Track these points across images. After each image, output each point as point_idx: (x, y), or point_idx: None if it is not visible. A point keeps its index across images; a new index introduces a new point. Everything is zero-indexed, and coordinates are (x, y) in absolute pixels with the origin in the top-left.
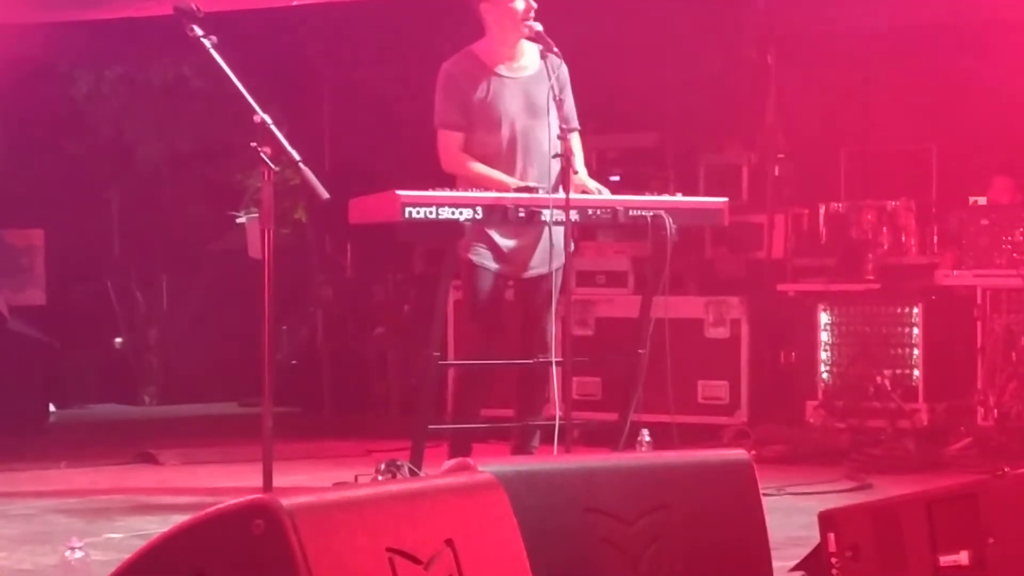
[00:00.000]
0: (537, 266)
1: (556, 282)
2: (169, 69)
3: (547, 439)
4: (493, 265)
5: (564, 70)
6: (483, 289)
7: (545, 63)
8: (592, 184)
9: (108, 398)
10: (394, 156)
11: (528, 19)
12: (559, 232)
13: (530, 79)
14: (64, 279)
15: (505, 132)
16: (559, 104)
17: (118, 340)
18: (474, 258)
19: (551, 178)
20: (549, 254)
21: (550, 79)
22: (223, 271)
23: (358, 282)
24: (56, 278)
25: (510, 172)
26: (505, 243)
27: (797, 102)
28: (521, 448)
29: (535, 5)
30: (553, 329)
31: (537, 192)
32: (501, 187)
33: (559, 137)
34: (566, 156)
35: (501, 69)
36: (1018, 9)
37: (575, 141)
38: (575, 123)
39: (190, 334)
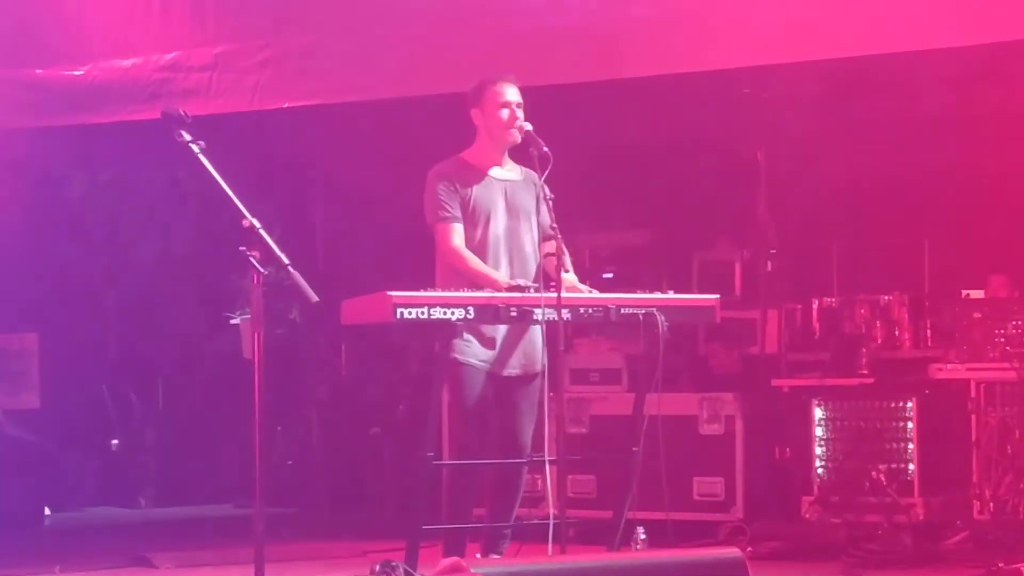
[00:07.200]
0: (525, 365)
1: (544, 381)
2: (162, 171)
3: (542, 538)
4: (481, 364)
5: (541, 183)
6: (472, 389)
7: (525, 174)
8: (582, 287)
9: (104, 501)
10: (387, 256)
11: (513, 127)
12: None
13: (517, 183)
14: (59, 382)
15: (491, 230)
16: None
17: (114, 442)
18: (460, 358)
19: (533, 279)
20: (537, 353)
21: (535, 185)
22: (219, 372)
23: (353, 382)
24: (51, 381)
25: (495, 269)
26: (493, 342)
27: (788, 197)
28: (490, 548)
29: (520, 116)
30: (546, 427)
31: (529, 291)
32: (495, 287)
33: (546, 238)
34: (557, 254)
35: (490, 172)
36: (1008, 102)
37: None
38: (553, 225)
39: (186, 435)
